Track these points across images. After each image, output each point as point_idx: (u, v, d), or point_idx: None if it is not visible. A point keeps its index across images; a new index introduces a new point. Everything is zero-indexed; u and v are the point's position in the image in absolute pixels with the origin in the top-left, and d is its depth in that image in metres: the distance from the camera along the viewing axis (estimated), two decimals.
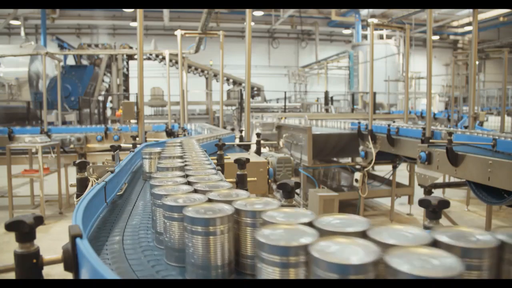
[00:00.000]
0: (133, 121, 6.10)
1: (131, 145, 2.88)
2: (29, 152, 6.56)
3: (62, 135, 6.69)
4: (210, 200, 0.95)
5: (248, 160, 1.86)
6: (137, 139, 3.43)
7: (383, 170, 6.69)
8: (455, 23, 21.47)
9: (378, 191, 6.19)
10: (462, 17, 19.93)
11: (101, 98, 13.82)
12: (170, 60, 11.65)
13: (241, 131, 4.67)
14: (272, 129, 6.76)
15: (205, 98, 15.15)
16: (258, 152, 3.59)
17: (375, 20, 5.61)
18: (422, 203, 0.91)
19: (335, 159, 6.90)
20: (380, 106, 15.28)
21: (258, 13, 19.17)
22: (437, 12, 18.36)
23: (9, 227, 0.79)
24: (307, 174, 5.91)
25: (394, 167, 5.79)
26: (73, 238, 0.80)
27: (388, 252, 0.60)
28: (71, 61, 14.34)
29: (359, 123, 5.67)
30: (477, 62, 5.77)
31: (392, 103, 16.11)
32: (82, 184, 1.66)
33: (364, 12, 19.01)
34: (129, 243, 1.13)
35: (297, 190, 3.45)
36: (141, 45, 3.65)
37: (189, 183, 1.19)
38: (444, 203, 0.89)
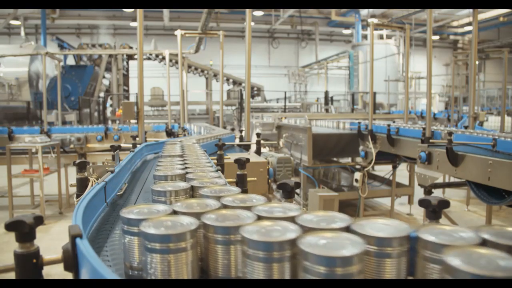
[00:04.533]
0: (133, 121, 6.10)
1: (131, 145, 2.88)
2: (29, 152, 6.56)
3: (62, 135, 6.69)
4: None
5: (248, 160, 1.85)
6: (137, 139, 3.43)
7: (383, 170, 6.69)
8: (455, 23, 21.47)
9: (378, 191, 6.19)
10: (462, 17, 19.93)
11: (101, 97, 13.82)
12: (170, 60, 11.65)
13: (241, 131, 4.67)
14: (272, 129, 6.76)
15: (205, 98, 15.15)
16: (258, 152, 3.59)
17: (375, 20, 5.60)
18: (422, 203, 0.91)
19: (335, 159, 6.90)
20: (380, 106, 15.28)
21: (258, 13, 19.17)
22: (437, 12, 18.37)
23: (9, 227, 0.79)
24: (307, 174, 5.91)
25: (394, 167, 5.79)
26: (73, 238, 0.80)
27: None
28: (71, 61, 14.34)
29: (359, 123, 5.67)
30: (477, 62, 5.77)
31: (392, 103, 16.11)
32: (82, 184, 1.66)
33: (364, 12, 19.01)
34: None
35: (297, 190, 3.45)
36: (141, 45, 3.65)
37: None
38: (444, 203, 0.89)
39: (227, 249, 0.78)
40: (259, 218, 0.83)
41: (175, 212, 0.90)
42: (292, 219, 0.82)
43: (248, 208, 0.90)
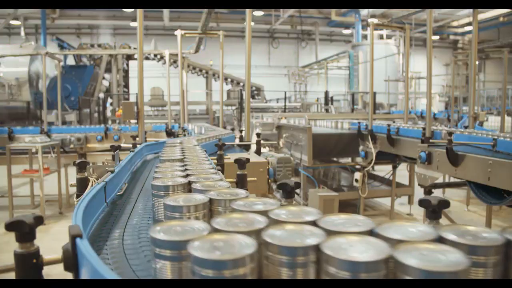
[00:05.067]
0: (133, 121, 6.10)
1: (131, 145, 2.88)
2: (29, 152, 6.56)
3: (62, 135, 6.69)
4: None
5: (248, 160, 1.85)
6: (137, 139, 3.43)
7: (383, 170, 6.69)
8: (455, 23, 21.47)
9: (378, 191, 6.19)
10: (462, 17, 19.93)
11: (101, 98, 13.82)
12: (170, 60, 11.64)
13: (241, 131, 4.67)
14: (272, 129, 6.76)
15: (205, 98, 15.15)
16: (258, 152, 3.59)
17: (375, 20, 5.61)
18: (422, 203, 0.91)
19: (335, 159, 6.90)
20: (380, 106, 15.27)
21: (258, 13, 19.16)
22: (437, 12, 18.36)
23: (9, 227, 0.79)
24: (307, 174, 5.91)
25: (394, 167, 5.79)
26: (73, 238, 0.80)
27: None
28: (71, 61, 14.34)
29: (359, 123, 5.67)
30: (477, 62, 5.77)
31: (392, 103, 16.10)
32: (82, 184, 1.66)
33: (364, 12, 19.00)
34: (129, 243, 1.13)
35: (297, 190, 3.45)
36: (141, 45, 3.65)
37: None
38: (444, 203, 0.89)
39: (294, 272, 0.66)
40: (329, 233, 0.71)
41: (216, 230, 0.76)
42: (371, 233, 0.73)
43: (312, 223, 0.77)
